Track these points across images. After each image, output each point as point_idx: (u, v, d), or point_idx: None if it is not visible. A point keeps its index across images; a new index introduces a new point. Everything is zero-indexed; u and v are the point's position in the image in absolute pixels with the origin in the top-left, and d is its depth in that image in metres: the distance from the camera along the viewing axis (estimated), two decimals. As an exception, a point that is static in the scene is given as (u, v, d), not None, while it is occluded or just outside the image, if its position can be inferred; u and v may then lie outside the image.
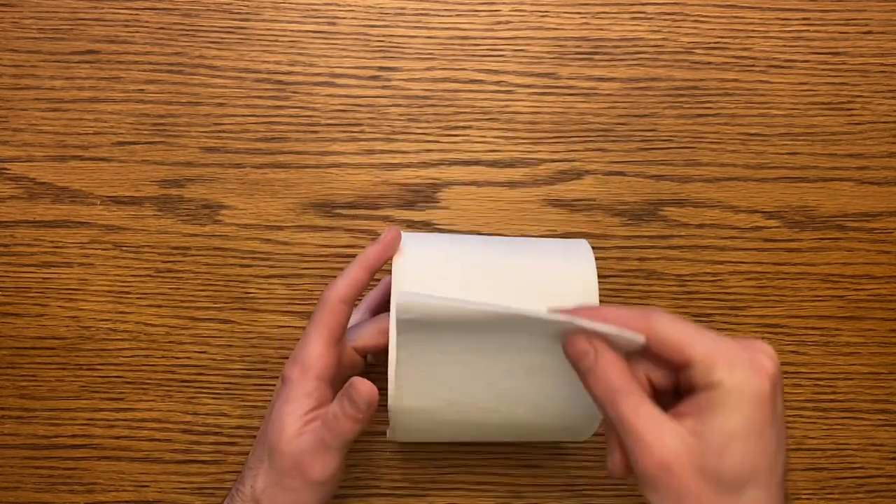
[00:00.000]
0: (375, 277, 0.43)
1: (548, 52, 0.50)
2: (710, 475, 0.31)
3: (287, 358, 0.42)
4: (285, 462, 0.39)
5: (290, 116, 0.50)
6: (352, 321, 0.45)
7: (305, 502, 0.40)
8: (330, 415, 0.39)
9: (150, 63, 0.50)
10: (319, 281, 0.50)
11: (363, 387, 0.38)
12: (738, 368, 0.32)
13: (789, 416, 0.51)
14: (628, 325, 0.34)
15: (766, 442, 0.32)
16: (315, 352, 0.40)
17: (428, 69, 0.50)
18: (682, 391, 0.34)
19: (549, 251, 0.42)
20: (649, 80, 0.50)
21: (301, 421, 0.39)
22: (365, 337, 0.44)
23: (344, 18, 0.50)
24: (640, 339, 0.33)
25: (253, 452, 0.42)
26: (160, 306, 0.50)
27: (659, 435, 0.32)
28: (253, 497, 0.40)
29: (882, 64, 0.51)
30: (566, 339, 0.35)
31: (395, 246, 0.41)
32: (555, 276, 0.40)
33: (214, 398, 0.50)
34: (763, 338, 0.50)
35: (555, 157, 0.50)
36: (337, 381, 0.42)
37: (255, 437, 0.49)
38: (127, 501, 0.50)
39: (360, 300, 0.47)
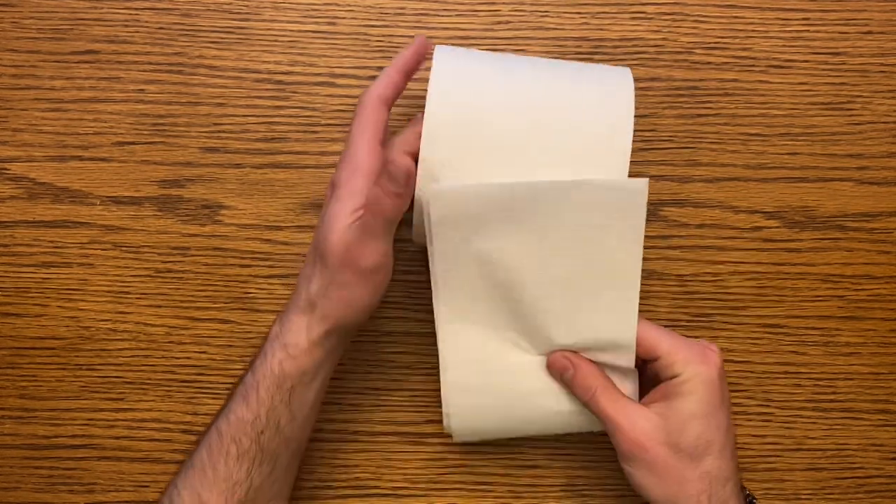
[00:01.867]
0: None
1: (548, 52, 0.50)
2: (674, 448, 0.40)
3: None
4: (336, 258, 0.40)
5: (290, 116, 0.50)
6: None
7: (360, 295, 0.40)
8: (371, 197, 0.39)
9: (150, 63, 0.50)
10: (319, 281, 0.50)
11: (401, 160, 0.39)
12: (693, 362, 0.41)
13: (789, 415, 0.51)
14: None
15: (718, 420, 0.41)
16: (361, 151, 0.41)
17: (428, 69, 0.50)
18: (650, 381, 0.43)
19: (587, 86, 0.42)
20: (649, 80, 0.50)
21: (350, 218, 0.40)
22: (406, 141, 0.43)
23: (344, 18, 0.50)
24: None
25: (305, 262, 0.42)
26: (160, 306, 0.50)
27: (631, 419, 0.41)
28: (309, 302, 0.41)
29: (882, 64, 0.51)
30: (548, 359, 0.43)
31: (425, 49, 0.43)
32: (589, 118, 0.41)
33: (214, 398, 0.50)
34: (763, 338, 0.51)
35: (555, 157, 0.50)
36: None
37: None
38: (127, 501, 0.50)
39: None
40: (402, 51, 0.43)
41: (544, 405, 0.44)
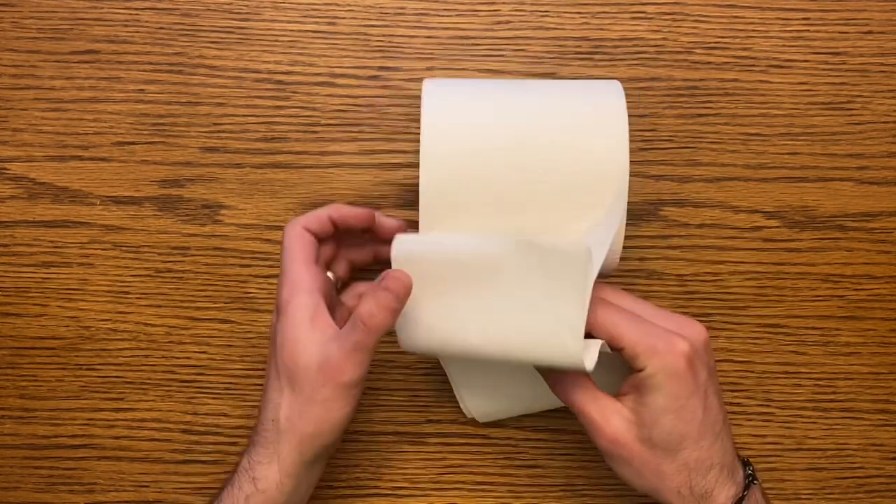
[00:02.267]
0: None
1: (548, 52, 0.50)
2: (648, 443, 0.39)
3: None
4: (311, 376, 0.39)
5: (290, 116, 0.50)
6: None
7: (339, 409, 0.40)
8: (363, 314, 0.39)
9: (150, 63, 0.50)
10: (319, 281, 0.50)
11: (399, 274, 0.39)
12: (657, 355, 0.39)
13: (789, 415, 0.51)
14: None
15: (690, 411, 0.39)
16: (296, 269, 0.41)
17: (428, 69, 0.50)
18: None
19: (578, 114, 0.41)
20: (649, 80, 0.50)
21: (311, 332, 0.39)
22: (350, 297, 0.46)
23: (344, 18, 0.50)
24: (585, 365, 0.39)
25: (265, 390, 0.41)
26: (160, 306, 0.50)
27: (606, 417, 0.40)
28: (277, 431, 0.40)
29: (882, 64, 0.51)
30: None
31: (370, 220, 0.44)
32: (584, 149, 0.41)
33: (214, 398, 0.50)
34: (763, 338, 0.51)
35: (555, 157, 0.50)
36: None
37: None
38: (127, 501, 0.50)
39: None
40: (346, 205, 0.44)
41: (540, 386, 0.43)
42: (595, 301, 0.39)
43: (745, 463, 0.42)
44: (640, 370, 0.39)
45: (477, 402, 0.48)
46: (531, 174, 0.40)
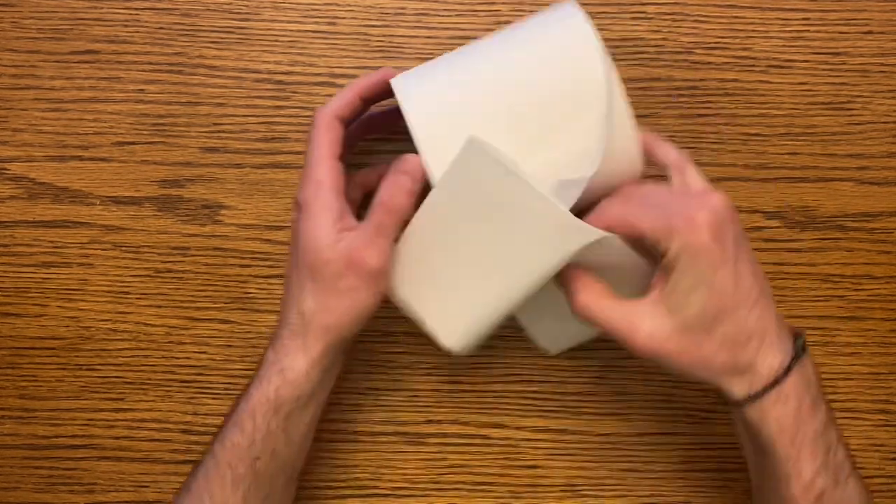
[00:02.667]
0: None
1: (548, 52, 0.50)
2: (683, 329, 0.38)
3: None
4: (335, 267, 0.39)
5: (290, 116, 0.50)
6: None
7: (365, 299, 0.40)
8: (383, 196, 0.39)
9: (150, 63, 0.50)
10: (319, 281, 0.50)
11: (412, 157, 0.40)
12: (677, 234, 0.37)
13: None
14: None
15: (720, 284, 0.37)
16: (323, 168, 0.41)
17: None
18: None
19: (542, 48, 0.42)
20: (649, 80, 0.50)
21: (333, 230, 0.40)
22: (365, 177, 0.46)
23: (344, 18, 0.50)
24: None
25: (287, 287, 0.42)
26: (160, 306, 0.50)
27: (633, 323, 0.38)
28: (303, 322, 0.40)
29: (882, 64, 0.51)
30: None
31: (387, 79, 0.42)
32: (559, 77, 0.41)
33: (214, 398, 0.50)
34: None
35: (555, 157, 0.50)
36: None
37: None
38: (127, 501, 0.50)
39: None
40: (363, 75, 0.44)
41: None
42: (605, 200, 0.40)
43: (797, 335, 0.40)
44: (664, 254, 0.37)
45: (550, 337, 0.48)
46: (518, 108, 0.40)
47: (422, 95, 0.41)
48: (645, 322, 0.38)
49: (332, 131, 0.41)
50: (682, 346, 0.38)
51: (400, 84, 0.41)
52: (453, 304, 0.41)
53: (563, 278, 0.41)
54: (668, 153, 0.43)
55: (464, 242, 0.40)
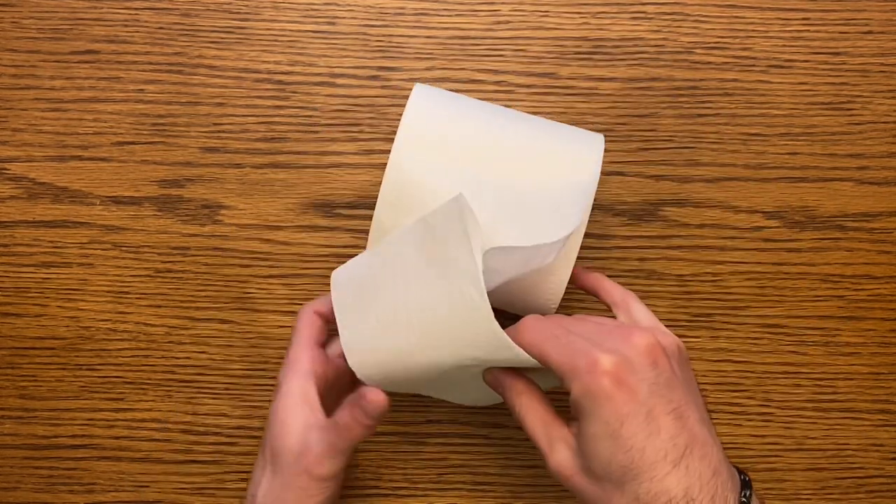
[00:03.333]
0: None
1: (548, 52, 0.50)
2: (590, 474, 0.34)
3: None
4: (291, 462, 0.40)
5: (290, 116, 0.50)
6: None
7: (312, 498, 0.40)
8: (340, 422, 0.40)
9: (150, 63, 0.50)
10: (319, 281, 0.50)
11: (373, 396, 0.39)
12: (578, 376, 0.34)
13: (789, 415, 0.51)
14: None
15: (629, 437, 0.33)
16: (297, 353, 0.42)
17: (428, 69, 0.50)
18: None
19: (556, 159, 0.41)
20: (649, 80, 0.50)
21: (300, 420, 0.40)
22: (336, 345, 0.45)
23: (344, 18, 0.50)
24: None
25: (255, 464, 0.43)
26: (160, 306, 0.50)
27: (552, 446, 0.36)
28: None
29: (882, 64, 0.51)
30: (483, 374, 0.40)
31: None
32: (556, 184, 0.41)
33: (214, 398, 0.50)
34: (763, 338, 0.50)
35: (555, 157, 0.50)
36: (333, 386, 0.43)
37: (255, 437, 0.50)
38: (127, 501, 0.50)
39: None
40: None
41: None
42: (526, 320, 0.37)
43: (744, 484, 0.35)
44: (570, 394, 0.35)
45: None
46: (490, 186, 0.40)
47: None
48: (559, 450, 0.36)
49: (310, 324, 0.43)
50: (591, 492, 0.35)
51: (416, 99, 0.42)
52: (376, 334, 0.40)
53: (496, 378, 0.40)
54: (612, 291, 0.42)
55: (411, 285, 0.39)
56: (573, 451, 0.35)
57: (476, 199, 0.40)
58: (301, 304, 0.50)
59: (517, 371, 0.39)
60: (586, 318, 0.38)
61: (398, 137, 0.40)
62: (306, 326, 0.43)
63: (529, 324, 0.37)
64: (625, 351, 0.34)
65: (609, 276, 0.50)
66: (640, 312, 0.40)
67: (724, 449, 0.51)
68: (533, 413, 0.37)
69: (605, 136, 0.50)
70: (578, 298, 0.50)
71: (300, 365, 0.42)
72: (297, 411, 0.40)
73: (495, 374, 0.40)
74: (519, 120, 0.42)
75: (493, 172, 0.40)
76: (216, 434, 0.50)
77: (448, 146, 0.40)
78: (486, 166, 0.40)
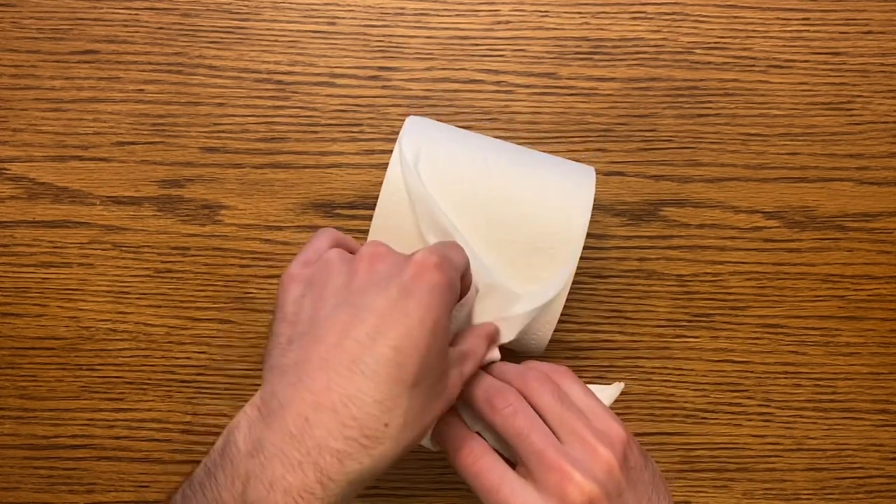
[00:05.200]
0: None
1: (548, 52, 0.50)
2: None
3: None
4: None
5: (290, 116, 0.50)
6: None
7: None
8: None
9: (150, 63, 0.50)
10: (319, 281, 0.50)
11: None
12: (548, 492, 0.34)
13: (789, 415, 0.51)
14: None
15: None
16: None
17: (428, 69, 0.50)
18: None
19: (549, 191, 0.42)
20: (649, 80, 0.50)
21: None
22: None
23: (344, 18, 0.50)
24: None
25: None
26: (160, 306, 0.50)
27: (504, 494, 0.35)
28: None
29: (882, 64, 0.51)
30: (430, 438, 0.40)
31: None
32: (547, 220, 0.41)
33: (214, 398, 0.50)
34: (763, 338, 0.50)
35: (555, 157, 0.50)
36: None
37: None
38: (127, 501, 0.50)
39: None
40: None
41: None
42: (492, 411, 0.37)
43: None
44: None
45: None
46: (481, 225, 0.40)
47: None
48: (516, 496, 0.36)
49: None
50: None
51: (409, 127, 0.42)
52: None
53: (442, 437, 0.39)
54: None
55: None
56: (530, 496, 0.35)
57: (469, 221, 0.40)
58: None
59: (466, 431, 0.39)
60: (559, 397, 0.38)
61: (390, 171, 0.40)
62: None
63: (498, 403, 0.37)
64: (594, 471, 0.35)
65: (609, 277, 0.50)
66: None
67: (724, 448, 0.51)
68: (490, 475, 0.37)
69: (606, 136, 0.50)
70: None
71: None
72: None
73: (442, 434, 0.39)
74: (511, 154, 0.43)
75: (486, 201, 0.41)
76: (216, 434, 0.50)
77: (441, 176, 0.41)
78: (479, 196, 0.41)
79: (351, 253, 0.38)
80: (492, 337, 0.40)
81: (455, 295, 0.34)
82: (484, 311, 0.40)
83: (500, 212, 0.40)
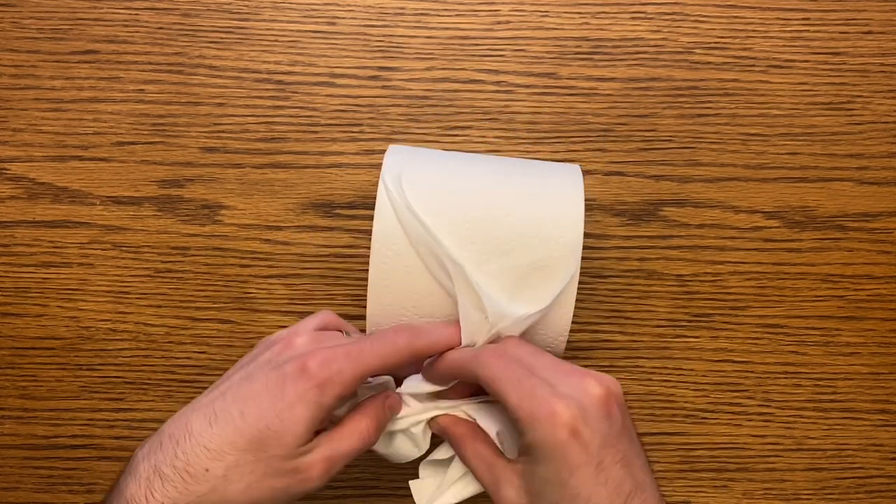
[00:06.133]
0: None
1: (548, 52, 0.50)
2: None
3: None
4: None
5: (290, 116, 0.50)
6: None
7: None
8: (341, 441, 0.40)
9: (150, 63, 0.50)
10: (319, 281, 0.50)
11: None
12: (536, 423, 0.35)
13: (789, 415, 0.51)
14: (460, 368, 0.39)
15: (577, 486, 0.34)
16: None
17: (428, 69, 0.50)
18: None
19: (540, 202, 0.41)
20: (649, 80, 0.50)
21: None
22: None
23: (344, 18, 0.50)
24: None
25: None
26: (160, 306, 0.50)
27: (498, 487, 0.38)
28: None
29: (882, 64, 0.51)
30: (429, 424, 0.42)
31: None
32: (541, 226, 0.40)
33: (214, 398, 0.50)
34: (763, 338, 0.50)
35: (555, 157, 0.50)
36: None
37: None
38: (127, 501, 0.50)
39: None
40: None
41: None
42: (486, 353, 0.38)
43: None
44: (523, 436, 0.36)
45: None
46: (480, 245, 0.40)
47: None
48: (505, 489, 0.37)
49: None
50: None
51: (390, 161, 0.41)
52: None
53: (442, 427, 0.42)
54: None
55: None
56: (518, 490, 0.37)
57: (467, 237, 0.39)
58: (301, 305, 0.50)
59: (461, 419, 0.41)
60: (544, 353, 0.38)
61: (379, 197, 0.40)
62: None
63: (490, 359, 0.37)
64: (582, 399, 0.35)
65: (609, 277, 0.50)
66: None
67: (724, 448, 0.51)
68: (478, 458, 0.39)
69: (606, 136, 0.50)
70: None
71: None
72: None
73: (441, 424, 0.42)
74: (494, 170, 0.42)
75: (482, 211, 0.40)
76: (216, 434, 0.50)
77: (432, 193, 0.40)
78: (468, 224, 0.40)
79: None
80: (378, 411, 0.41)
81: (327, 398, 0.37)
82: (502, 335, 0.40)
83: (496, 236, 0.39)
